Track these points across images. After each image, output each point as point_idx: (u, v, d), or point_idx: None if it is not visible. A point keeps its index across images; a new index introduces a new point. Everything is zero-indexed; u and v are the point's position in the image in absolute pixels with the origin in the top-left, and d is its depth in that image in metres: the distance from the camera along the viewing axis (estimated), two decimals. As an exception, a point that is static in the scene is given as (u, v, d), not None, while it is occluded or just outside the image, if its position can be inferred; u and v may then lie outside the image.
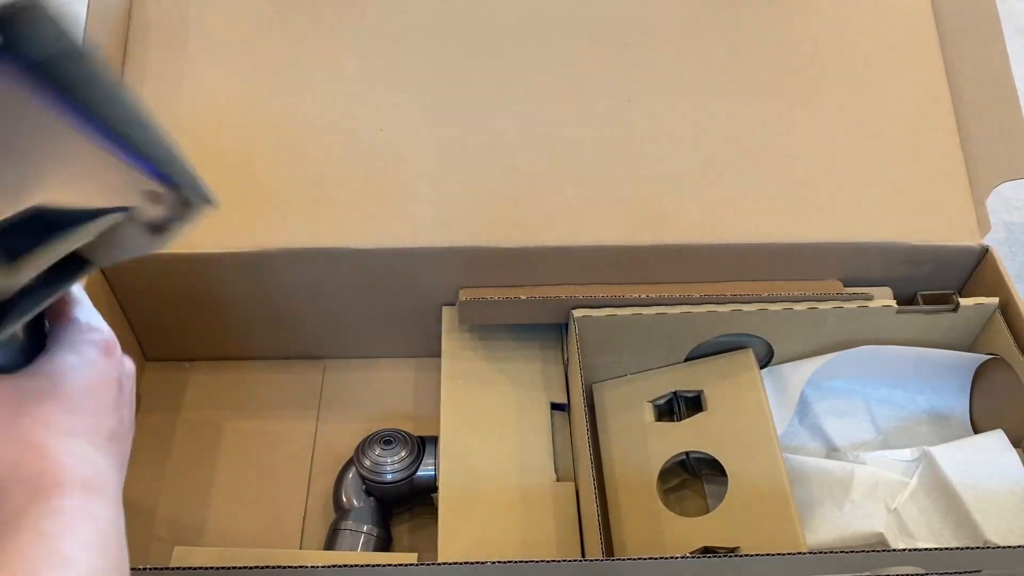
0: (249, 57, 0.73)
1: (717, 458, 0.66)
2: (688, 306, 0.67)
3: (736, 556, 0.50)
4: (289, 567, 0.49)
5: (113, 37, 0.71)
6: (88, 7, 0.67)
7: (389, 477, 0.68)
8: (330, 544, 0.68)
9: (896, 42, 0.75)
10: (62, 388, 0.36)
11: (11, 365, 0.36)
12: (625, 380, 0.73)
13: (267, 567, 0.48)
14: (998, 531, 0.61)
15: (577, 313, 0.68)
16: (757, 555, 0.50)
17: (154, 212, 0.32)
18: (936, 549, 0.54)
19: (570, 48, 0.74)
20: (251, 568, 0.49)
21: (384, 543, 0.68)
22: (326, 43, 0.73)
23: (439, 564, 0.51)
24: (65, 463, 0.34)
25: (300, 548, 0.70)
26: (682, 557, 0.50)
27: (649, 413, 0.71)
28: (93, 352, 0.38)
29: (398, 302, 0.74)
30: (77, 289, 0.40)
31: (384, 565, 0.49)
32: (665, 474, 0.68)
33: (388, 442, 0.69)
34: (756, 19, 0.75)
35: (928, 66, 0.74)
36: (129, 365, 0.42)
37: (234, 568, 0.49)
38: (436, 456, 0.68)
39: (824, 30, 0.75)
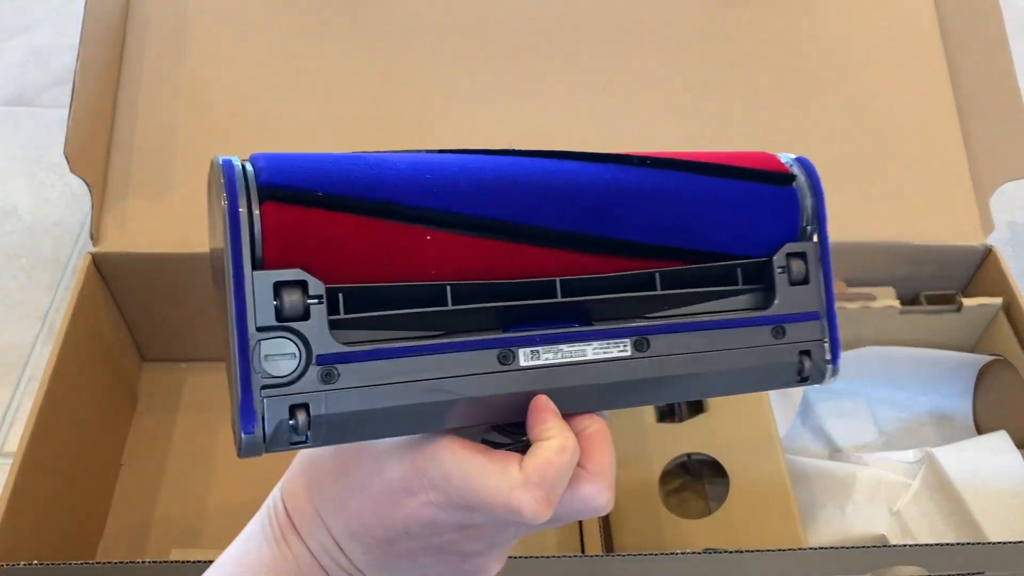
0: (248, 57, 0.72)
1: (719, 460, 0.66)
2: (689, 306, 0.67)
3: (737, 552, 0.49)
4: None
5: (110, 35, 0.71)
6: (85, 5, 0.67)
7: (388, 478, 0.68)
8: (329, 546, 0.67)
9: (899, 42, 0.74)
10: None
11: None
12: (626, 381, 0.73)
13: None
14: (1001, 533, 0.61)
15: (578, 313, 0.67)
16: (758, 550, 0.49)
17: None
18: (937, 545, 0.53)
19: (570, 49, 0.73)
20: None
21: (383, 545, 0.68)
22: (326, 43, 0.73)
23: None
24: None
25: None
26: (683, 553, 0.50)
27: (650, 414, 0.70)
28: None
29: (398, 302, 0.74)
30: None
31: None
32: (666, 476, 0.67)
33: (387, 443, 0.69)
34: (758, 19, 0.75)
35: (931, 66, 0.74)
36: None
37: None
38: (436, 457, 0.68)
39: (827, 30, 0.75)
